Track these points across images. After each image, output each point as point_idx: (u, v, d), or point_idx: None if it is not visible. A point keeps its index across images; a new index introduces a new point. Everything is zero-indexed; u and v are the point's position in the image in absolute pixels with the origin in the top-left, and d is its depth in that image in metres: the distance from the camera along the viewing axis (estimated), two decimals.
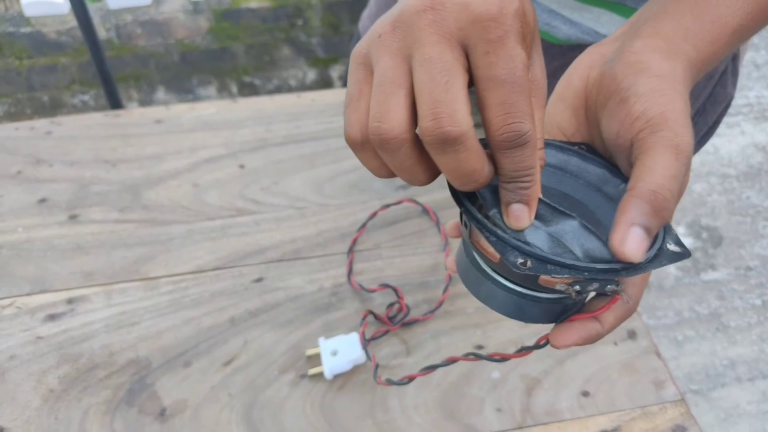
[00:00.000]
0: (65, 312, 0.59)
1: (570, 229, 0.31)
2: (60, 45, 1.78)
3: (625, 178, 0.33)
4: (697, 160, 1.90)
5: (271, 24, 1.87)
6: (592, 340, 0.33)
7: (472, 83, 0.27)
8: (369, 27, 0.48)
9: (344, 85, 1.36)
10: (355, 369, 0.56)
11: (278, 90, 1.98)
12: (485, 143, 0.28)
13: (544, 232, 0.31)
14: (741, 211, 1.80)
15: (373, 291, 0.61)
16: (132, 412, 0.53)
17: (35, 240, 0.65)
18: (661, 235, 0.30)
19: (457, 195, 0.30)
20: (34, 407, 0.53)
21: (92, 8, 1.67)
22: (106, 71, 1.43)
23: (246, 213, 0.68)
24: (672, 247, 0.30)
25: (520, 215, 0.29)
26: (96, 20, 1.70)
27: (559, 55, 0.63)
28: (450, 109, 0.25)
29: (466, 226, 0.31)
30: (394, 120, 0.26)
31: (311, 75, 1.99)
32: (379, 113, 0.26)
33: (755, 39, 2.30)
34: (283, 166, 0.73)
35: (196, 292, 0.61)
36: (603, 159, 0.34)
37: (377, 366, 0.53)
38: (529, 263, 0.28)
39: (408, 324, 0.59)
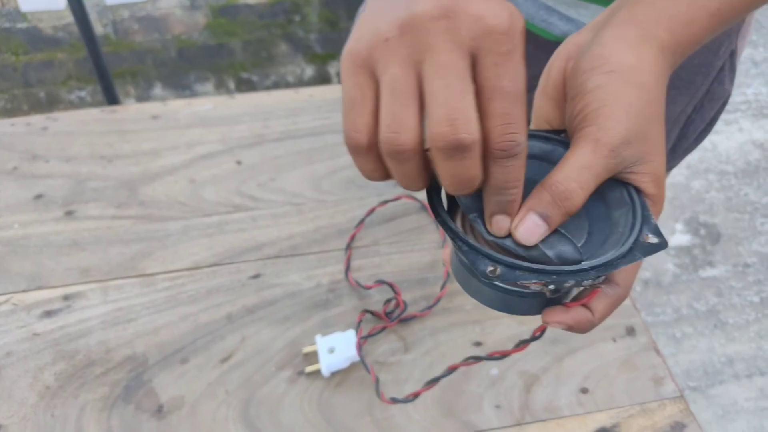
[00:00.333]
0: (61, 308, 0.59)
1: None
2: (56, 41, 1.77)
3: None
4: (695, 156, 1.90)
5: (269, 20, 1.86)
6: (583, 326, 0.34)
7: None
8: None
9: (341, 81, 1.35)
10: (353, 366, 0.56)
11: (276, 86, 1.98)
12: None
13: None
14: (739, 208, 1.80)
15: (370, 288, 0.61)
16: (129, 409, 0.53)
17: (31, 236, 0.65)
18: (637, 227, 0.30)
19: (434, 204, 0.31)
20: (31, 404, 0.53)
21: (89, 4, 1.66)
22: (102, 67, 1.42)
23: (243, 209, 0.68)
24: (649, 238, 0.30)
25: (503, 225, 0.30)
26: (93, 16, 1.70)
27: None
28: (465, 116, 0.26)
29: None
30: (410, 132, 0.27)
31: (309, 71, 1.99)
32: (396, 124, 0.27)
33: (753, 36, 2.30)
34: (280, 162, 0.72)
35: (193, 288, 0.61)
36: None
37: (378, 380, 0.53)
38: (498, 270, 0.29)
39: (406, 320, 0.59)
